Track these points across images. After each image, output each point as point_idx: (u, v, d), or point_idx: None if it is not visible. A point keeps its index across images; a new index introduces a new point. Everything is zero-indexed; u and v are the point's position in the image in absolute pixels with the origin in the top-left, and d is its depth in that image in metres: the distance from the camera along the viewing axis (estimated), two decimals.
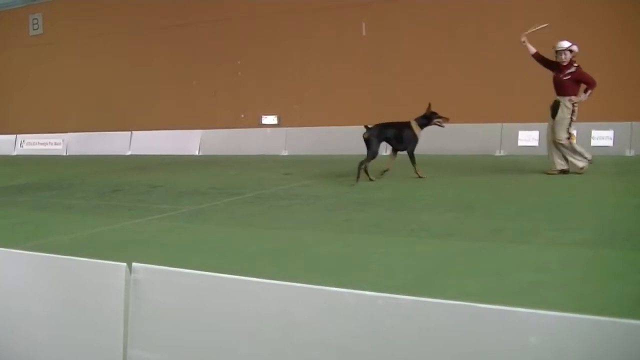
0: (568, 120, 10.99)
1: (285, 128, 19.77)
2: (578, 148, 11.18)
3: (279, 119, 20.39)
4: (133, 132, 22.37)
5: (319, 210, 8.82)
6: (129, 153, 21.88)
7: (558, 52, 11.09)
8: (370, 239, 6.72)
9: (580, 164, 11.06)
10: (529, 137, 15.60)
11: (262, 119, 20.63)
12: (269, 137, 19.73)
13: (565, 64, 11.03)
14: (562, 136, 11.01)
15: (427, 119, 11.72)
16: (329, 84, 19.37)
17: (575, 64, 11.02)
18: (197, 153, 20.63)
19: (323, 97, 19.41)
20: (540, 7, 15.44)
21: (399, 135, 11.68)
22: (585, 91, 10.92)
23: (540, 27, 11.42)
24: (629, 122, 14.38)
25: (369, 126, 11.64)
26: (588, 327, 2.39)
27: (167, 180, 13.57)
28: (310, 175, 12.93)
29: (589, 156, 11.14)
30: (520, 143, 15.70)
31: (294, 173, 13.55)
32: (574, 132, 11.29)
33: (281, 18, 20.28)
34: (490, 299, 4.17)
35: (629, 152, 14.21)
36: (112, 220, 8.52)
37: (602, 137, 14.82)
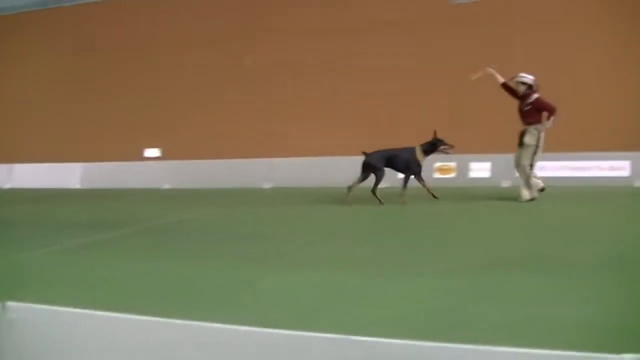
0: (534, 148, 11.29)
1: (168, 161, 19.77)
2: (532, 181, 11.48)
3: (162, 152, 20.34)
4: (13, 164, 21.78)
5: (201, 243, 8.93)
6: (8, 186, 21.27)
7: (517, 84, 11.57)
8: (254, 272, 6.73)
9: (526, 196, 11.41)
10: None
11: (145, 152, 20.55)
12: (152, 170, 19.63)
13: (521, 94, 11.47)
14: (526, 162, 11.35)
15: (432, 146, 11.85)
16: (214, 115, 19.52)
17: (536, 94, 11.36)
18: (78, 186, 20.28)
19: (207, 128, 19.51)
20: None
21: (401, 160, 11.89)
22: (548, 118, 11.23)
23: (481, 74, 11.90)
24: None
25: (367, 152, 11.95)
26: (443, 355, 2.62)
27: (49, 213, 13.35)
28: (193, 208, 13.04)
29: (540, 186, 11.54)
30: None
31: (178, 207, 13.61)
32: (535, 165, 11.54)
33: (166, 50, 20.35)
34: (370, 329, 4.35)
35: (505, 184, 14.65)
36: None
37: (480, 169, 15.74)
